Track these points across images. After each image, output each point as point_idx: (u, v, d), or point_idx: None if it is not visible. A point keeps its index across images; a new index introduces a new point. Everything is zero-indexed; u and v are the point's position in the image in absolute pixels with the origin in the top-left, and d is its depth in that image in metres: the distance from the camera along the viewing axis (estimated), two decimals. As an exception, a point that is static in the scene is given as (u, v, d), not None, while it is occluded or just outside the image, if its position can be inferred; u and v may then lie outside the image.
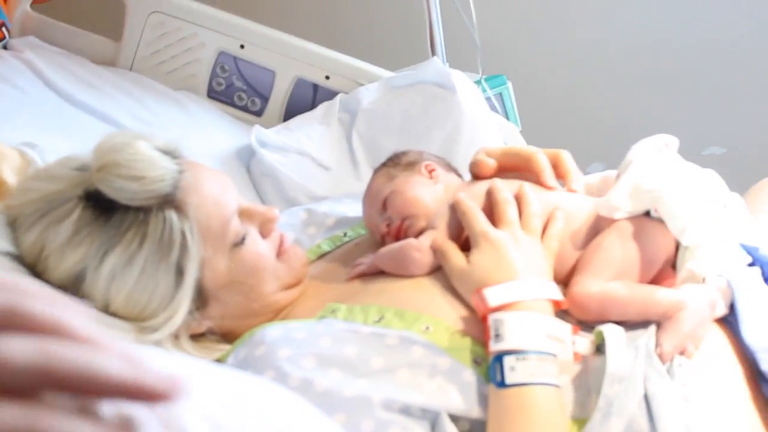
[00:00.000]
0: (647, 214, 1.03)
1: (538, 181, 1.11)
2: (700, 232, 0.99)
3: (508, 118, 1.91)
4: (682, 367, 0.95)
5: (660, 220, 1.02)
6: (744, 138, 2.60)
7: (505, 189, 1.08)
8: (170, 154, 1.02)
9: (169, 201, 0.98)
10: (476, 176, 1.17)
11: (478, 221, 1.03)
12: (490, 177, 1.14)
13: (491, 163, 1.14)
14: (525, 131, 1.86)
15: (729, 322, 1.01)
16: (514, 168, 1.14)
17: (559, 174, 1.12)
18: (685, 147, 2.56)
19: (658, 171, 1.03)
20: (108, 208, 0.97)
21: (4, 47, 1.67)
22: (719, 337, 1.01)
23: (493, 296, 0.95)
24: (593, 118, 2.64)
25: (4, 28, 1.68)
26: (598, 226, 1.05)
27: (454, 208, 1.07)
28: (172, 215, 0.98)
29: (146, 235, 0.97)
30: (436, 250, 1.05)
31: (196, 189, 1.01)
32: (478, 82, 1.87)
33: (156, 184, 0.97)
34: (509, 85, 1.93)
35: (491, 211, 1.06)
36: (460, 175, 1.21)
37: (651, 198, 1.01)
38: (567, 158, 1.14)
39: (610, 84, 2.63)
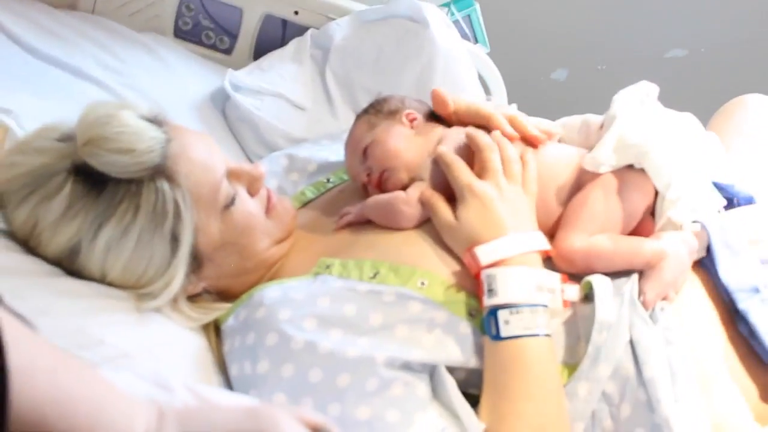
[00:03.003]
0: (630, 165, 1.06)
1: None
2: (683, 186, 1.02)
3: (476, 41, 1.91)
4: (664, 311, 1.00)
5: (642, 171, 1.05)
6: (705, 39, 2.61)
7: (485, 134, 1.10)
8: (155, 121, 1.03)
9: (160, 171, 0.99)
10: (438, 112, 1.19)
11: (463, 174, 1.06)
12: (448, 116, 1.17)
13: (448, 99, 1.17)
14: (493, 51, 1.86)
15: (705, 264, 1.06)
16: (475, 125, 1.16)
17: (520, 133, 1.14)
18: (648, 50, 2.57)
19: (642, 124, 1.06)
20: (98, 181, 0.98)
21: (-39, -4, 1.62)
22: (696, 280, 1.06)
23: (484, 255, 0.99)
24: (558, 27, 2.64)
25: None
26: (581, 179, 1.08)
27: (437, 160, 1.09)
28: (164, 185, 0.99)
29: (139, 206, 0.98)
30: (424, 204, 1.08)
31: (184, 156, 1.02)
32: (446, 5, 1.86)
33: (145, 155, 0.98)
34: (477, 6, 1.92)
35: (472, 158, 1.08)
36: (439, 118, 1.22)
37: (636, 153, 1.04)
38: (523, 118, 1.16)
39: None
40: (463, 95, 1.22)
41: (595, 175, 1.06)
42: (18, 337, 0.62)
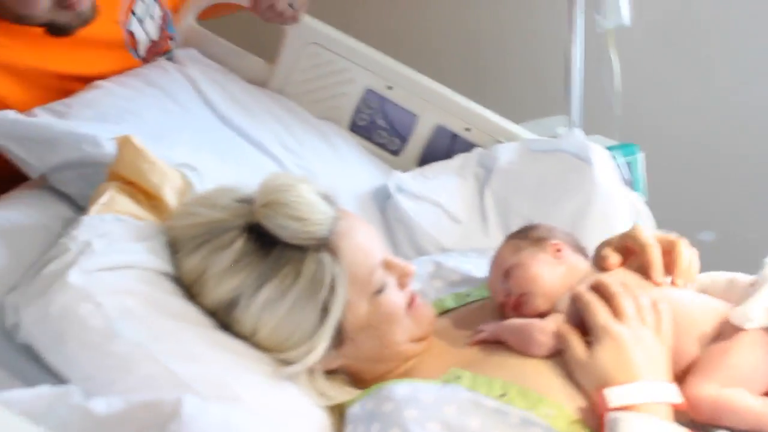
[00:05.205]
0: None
1: (646, 273, 1.15)
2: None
3: (635, 188, 1.93)
4: None
5: None
6: None
7: (616, 282, 1.12)
8: (328, 200, 1.11)
9: (325, 244, 1.07)
10: (600, 269, 1.20)
11: (600, 315, 1.07)
12: None
13: (615, 261, 1.18)
14: (652, 201, 1.88)
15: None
16: (628, 251, 1.18)
17: (670, 263, 1.15)
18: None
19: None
20: (268, 242, 1.06)
21: (168, 58, 1.77)
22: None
23: (613, 397, 1.00)
24: (710, 189, 2.63)
25: (172, 41, 1.79)
26: (721, 332, 1.08)
27: (575, 298, 1.12)
28: (326, 258, 1.06)
29: (300, 272, 1.05)
30: (558, 337, 1.10)
31: (349, 236, 1.09)
32: (610, 148, 1.89)
33: (315, 226, 1.06)
34: (641, 155, 1.95)
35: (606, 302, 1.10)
36: (586, 255, 1.25)
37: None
38: (683, 249, 1.16)
39: (742, 160, 2.60)
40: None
41: (739, 330, 1.06)
42: None
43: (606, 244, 1.21)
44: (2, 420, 0.52)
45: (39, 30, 1.45)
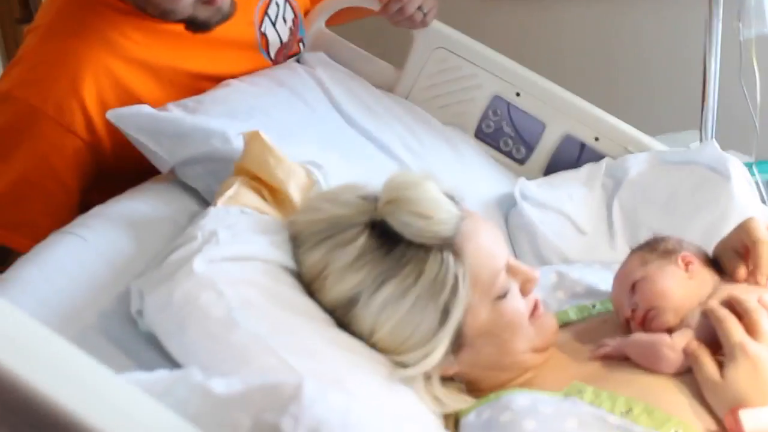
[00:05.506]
0: None
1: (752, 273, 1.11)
2: None
3: (772, 207, 1.84)
4: None
5: None
6: None
7: (752, 298, 1.06)
8: (453, 199, 1.09)
9: (449, 244, 1.04)
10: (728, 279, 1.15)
11: (735, 332, 1.02)
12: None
13: (744, 273, 1.13)
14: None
15: None
16: (738, 244, 1.14)
17: None
18: None
19: None
20: (391, 240, 1.04)
21: (298, 60, 1.80)
22: None
23: (748, 420, 0.94)
24: None
25: (301, 44, 1.81)
26: None
27: (707, 314, 1.06)
28: (449, 258, 1.03)
29: (423, 272, 1.03)
30: (688, 355, 1.04)
31: (473, 237, 1.06)
32: (748, 165, 1.81)
33: (441, 225, 1.04)
34: (782, 174, 1.85)
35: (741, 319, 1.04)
36: (717, 269, 1.19)
37: None
38: None
39: None
40: None
41: None
42: None
43: (725, 246, 1.16)
44: (124, 395, 0.52)
45: (177, 29, 1.49)
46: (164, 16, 1.45)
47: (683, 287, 1.13)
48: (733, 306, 1.05)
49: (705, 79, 1.96)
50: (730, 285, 1.13)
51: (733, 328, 1.02)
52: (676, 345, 1.05)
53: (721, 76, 1.96)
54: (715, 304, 1.07)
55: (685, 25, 2.47)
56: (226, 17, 1.50)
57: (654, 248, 1.20)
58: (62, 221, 1.24)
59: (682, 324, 1.09)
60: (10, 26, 2.41)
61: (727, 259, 1.17)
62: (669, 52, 2.67)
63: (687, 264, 1.16)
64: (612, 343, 1.12)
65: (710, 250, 1.23)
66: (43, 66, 1.43)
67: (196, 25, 1.49)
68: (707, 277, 1.15)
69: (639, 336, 1.10)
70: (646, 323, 1.12)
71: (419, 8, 1.73)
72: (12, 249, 1.39)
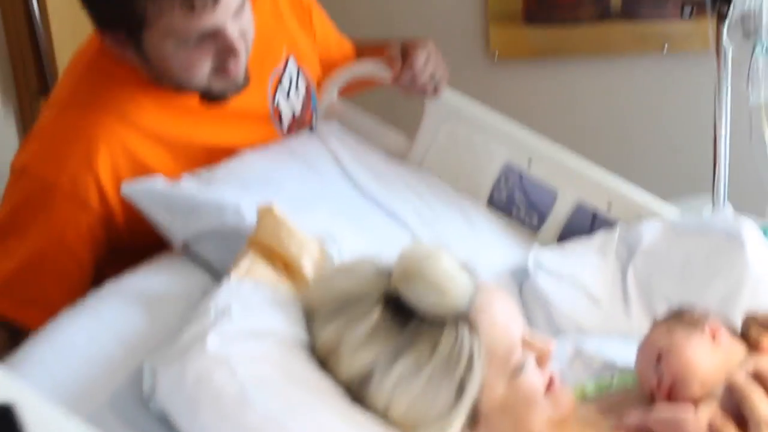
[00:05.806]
0: None
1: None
2: None
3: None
4: None
5: None
6: None
7: None
8: (468, 272, 1.08)
9: (464, 318, 1.03)
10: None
11: (761, 407, 1.00)
12: None
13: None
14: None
15: None
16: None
17: None
18: None
19: None
20: (405, 314, 1.03)
21: (310, 129, 1.81)
22: None
23: None
24: None
25: (314, 114, 1.82)
26: None
27: (732, 387, 1.04)
28: (464, 332, 1.02)
29: (437, 346, 1.02)
30: (713, 429, 1.02)
31: (489, 311, 1.06)
32: (763, 228, 1.80)
33: (456, 299, 1.03)
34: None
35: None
36: (741, 340, 1.18)
37: None
38: None
39: None
40: None
41: None
42: None
43: (753, 320, 1.15)
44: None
45: (192, 102, 1.51)
46: (180, 87, 1.47)
47: (710, 357, 1.12)
48: (760, 378, 1.04)
49: (716, 144, 1.96)
50: (757, 356, 1.12)
51: (759, 402, 1.00)
52: (700, 422, 1.03)
53: (733, 140, 1.97)
54: (740, 377, 1.04)
55: (696, 89, 2.49)
56: (240, 88, 1.52)
57: (680, 318, 1.19)
58: (75, 296, 1.24)
59: (708, 395, 1.08)
60: (26, 98, 2.44)
61: (753, 331, 1.15)
62: (680, 116, 2.69)
63: (714, 334, 1.14)
64: (636, 416, 1.10)
65: (726, 317, 1.22)
66: (58, 140, 1.44)
67: (211, 96, 1.51)
68: (734, 348, 1.14)
69: (662, 410, 1.08)
70: (672, 395, 1.11)
71: (431, 77, 1.75)
72: (24, 324, 1.38)
